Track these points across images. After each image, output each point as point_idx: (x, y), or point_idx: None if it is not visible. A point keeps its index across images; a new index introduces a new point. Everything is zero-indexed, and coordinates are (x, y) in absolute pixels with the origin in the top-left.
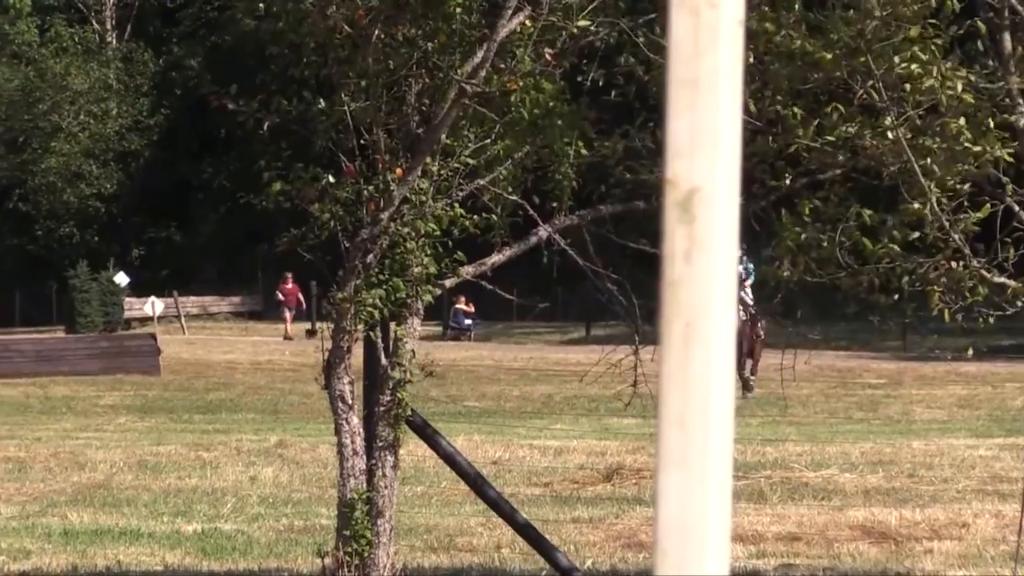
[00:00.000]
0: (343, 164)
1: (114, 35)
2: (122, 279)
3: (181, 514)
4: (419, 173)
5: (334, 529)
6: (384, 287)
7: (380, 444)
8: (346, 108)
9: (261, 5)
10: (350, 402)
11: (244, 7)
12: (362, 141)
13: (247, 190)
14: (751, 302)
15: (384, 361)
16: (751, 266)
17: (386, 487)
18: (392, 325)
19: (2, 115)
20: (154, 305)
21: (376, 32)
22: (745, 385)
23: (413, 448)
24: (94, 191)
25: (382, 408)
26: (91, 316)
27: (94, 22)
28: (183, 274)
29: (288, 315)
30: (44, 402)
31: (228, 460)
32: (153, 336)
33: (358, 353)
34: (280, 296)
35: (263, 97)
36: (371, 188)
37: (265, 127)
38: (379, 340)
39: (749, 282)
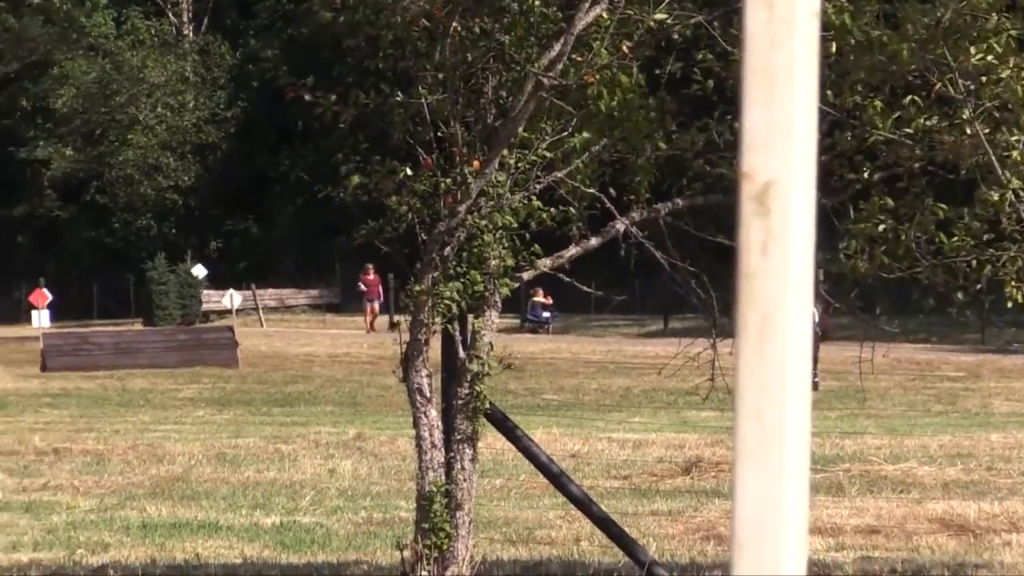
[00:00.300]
0: (421, 157)
1: (191, 28)
2: (200, 272)
3: (260, 507)
4: (496, 166)
5: (413, 522)
6: (462, 280)
7: (458, 437)
8: (423, 101)
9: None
10: (428, 395)
11: (320, 0)
12: (439, 134)
13: (325, 183)
14: None
15: (462, 354)
16: None
17: (465, 480)
18: (470, 318)
19: (79, 108)
20: (232, 298)
21: (453, 25)
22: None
23: (492, 441)
24: (171, 183)
25: (460, 401)
26: (169, 309)
27: (170, 15)
28: (261, 267)
29: (369, 307)
30: (122, 395)
31: (307, 453)
32: (231, 329)
33: (436, 346)
34: (362, 287)
35: (340, 90)
36: (448, 181)
37: (343, 120)
38: (457, 333)
39: None
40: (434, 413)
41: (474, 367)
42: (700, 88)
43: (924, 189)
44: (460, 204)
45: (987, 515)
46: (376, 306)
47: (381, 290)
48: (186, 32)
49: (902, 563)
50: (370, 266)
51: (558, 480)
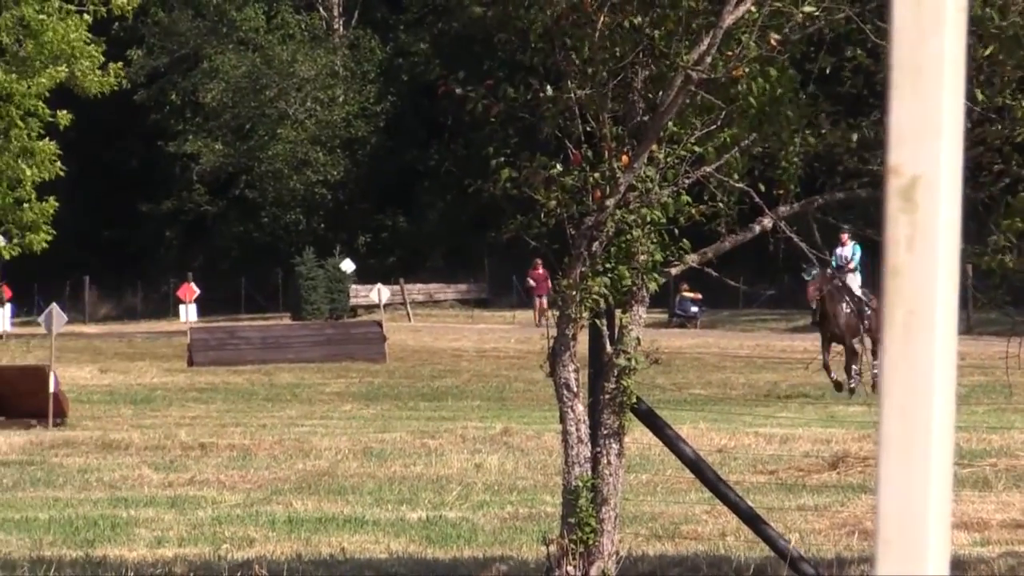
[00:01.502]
0: (570, 151)
1: (341, 22)
2: (348, 266)
3: (406, 502)
4: (645, 160)
5: (559, 517)
6: (610, 275)
7: (605, 432)
8: (573, 95)
9: None
10: (575, 390)
11: None
12: (588, 128)
13: (474, 177)
14: (859, 291)
15: (609, 349)
16: (857, 249)
17: (611, 475)
18: (617, 313)
19: (229, 102)
20: (380, 292)
21: (602, 19)
22: (839, 386)
23: (639, 436)
24: (320, 178)
25: (607, 396)
26: (317, 303)
27: (321, 9)
28: (409, 261)
29: (538, 301)
30: (269, 389)
31: (453, 447)
32: (379, 323)
33: (583, 341)
34: (531, 282)
35: (490, 84)
36: (597, 176)
37: (492, 114)
38: (604, 328)
39: (853, 265)
40: (581, 408)
41: (621, 362)
42: (852, 85)
43: None
44: (609, 199)
45: None
46: (545, 301)
47: (550, 285)
48: (336, 26)
49: None
50: (539, 261)
51: (704, 475)
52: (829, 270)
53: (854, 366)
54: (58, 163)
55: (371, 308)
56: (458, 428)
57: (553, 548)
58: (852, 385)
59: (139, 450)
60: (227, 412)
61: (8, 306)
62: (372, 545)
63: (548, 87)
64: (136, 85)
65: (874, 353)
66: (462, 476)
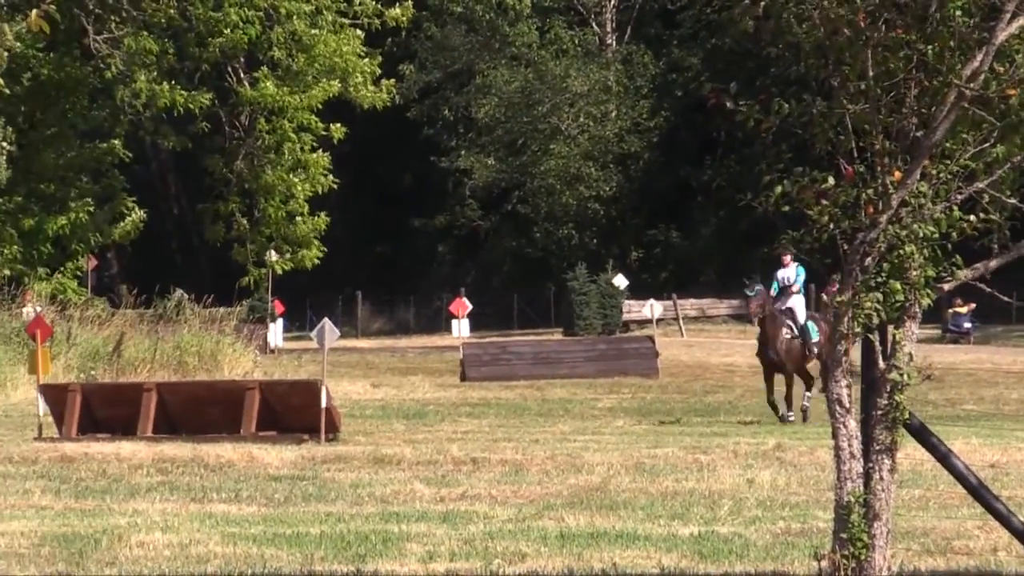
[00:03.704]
0: (843, 167)
1: (614, 37)
2: (621, 281)
3: (678, 517)
4: (917, 176)
5: (831, 532)
6: (882, 290)
7: (877, 447)
8: (845, 110)
9: (761, 6)
10: (847, 405)
11: (744, 9)
12: (860, 144)
13: (746, 192)
14: (803, 315)
15: (882, 364)
16: (801, 271)
17: (883, 490)
18: (890, 328)
19: (502, 117)
20: (653, 308)
21: (875, 34)
22: (777, 409)
23: (911, 451)
24: (593, 193)
25: (879, 412)
26: (589, 318)
27: (594, 24)
28: (682, 276)
29: None
30: (541, 404)
31: (725, 463)
32: (651, 339)
33: (855, 357)
34: (825, 299)
35: (762, 98)
36: (870, 191)
37: (765, 129)
38: (877, 343)
39: (797, 288)
40: (853, 424)
41: (894, 377)
42: None
43: None
44: (881, 214)
45: None
46: None
47: None
48: (609, 41)
49: None
50: (835, 278)
51: (976, 491)
52: (772, 292)
53: (807, 393)
54: (330, 176)
55: (643, 323)
56: (730, 443)
57: (825, 563)
58: (790, 416)
59: (411, 465)
60: (499, 427)
61: (280, 321)
62: (643, 560)
63: (821, 102)
64: (409, 101)
65: (809, 386)
66: (734, 491)
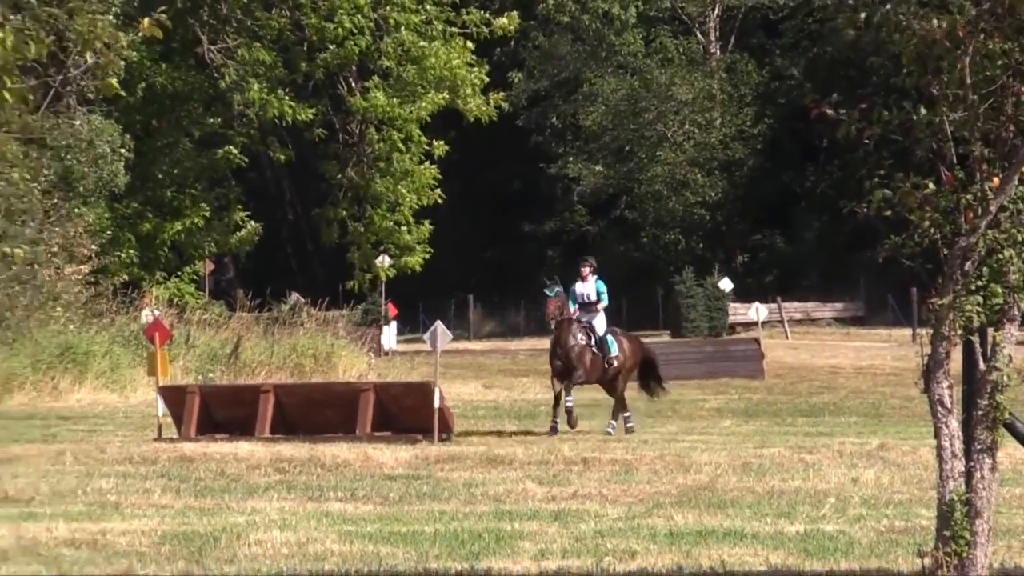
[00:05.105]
0: (943, 173)
1: (717, 46)
2: (727, 285)
3: (784, 515)
4: (1015, 182)
5: (933, 530)
6: (982, 294)
7: (978, 447)
8: (945, 118)
9: (862, 16)
10: (949, 406)
11: (845, 19)
12: (960, 150)
13: (849, 198)
14: (602, 330)
15: (982, 366)
16: (602, 285)
17: (984, 489)
18: (990, 331)
19: (608, 124)
20: (758, 310)
21: (974, 44)
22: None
23: (1011, 451)
24: (699, 199)
25: (980, 412)
26: (696, 321)
27: (698, 34)
28: (786, 280)
29: None
30: (649, 405)
31: (830, 462)
32: (757, 341)
33: (956, 358)
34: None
35: (864, 107)
36: (969, 197)
37: (866, 136)
38: (977, 345)
39: (603, 305)
40: (955, 424)
41: (994, 379)
42: None
43: None
44: (980, 220)
45: None
46: None
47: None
48: (713, 50)
49: None
50: None
51: None
52: (574, 307)
53: (613, 422)
54: (437, 190)
55: (749, 326)
56: (835, 443)
57: (928, 560)
58: (556, 423)
59: (523, 464)
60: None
61: (393, 324)
62: (751, 558)
63: (921, 110)
64: (518, 109)
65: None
66: (839, 490)
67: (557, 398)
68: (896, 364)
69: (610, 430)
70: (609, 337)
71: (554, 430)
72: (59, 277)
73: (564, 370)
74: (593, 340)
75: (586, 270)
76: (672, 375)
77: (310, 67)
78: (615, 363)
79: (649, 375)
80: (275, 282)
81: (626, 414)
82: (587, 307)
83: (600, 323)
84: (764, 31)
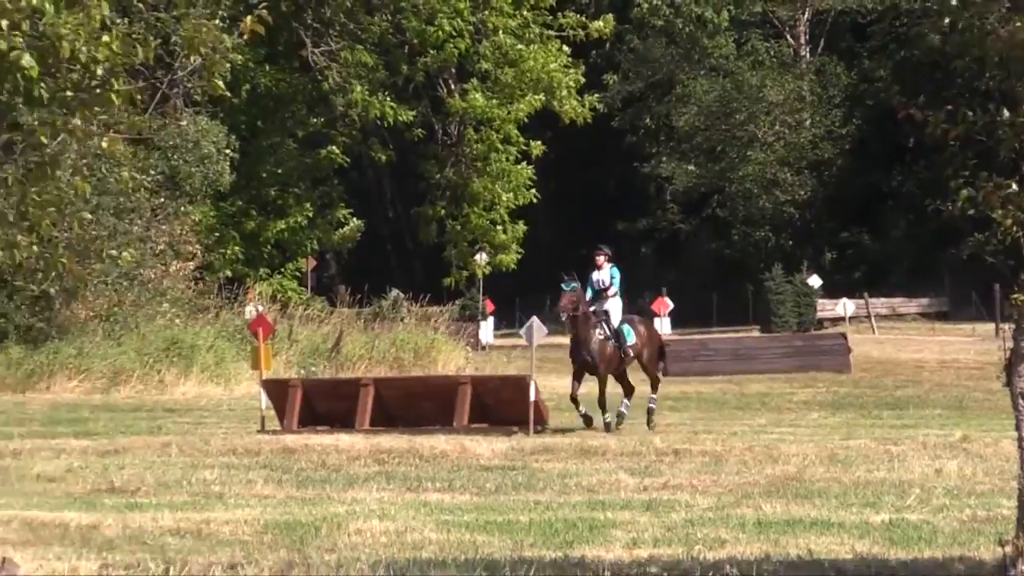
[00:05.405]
0: None
1: (807, 49)
2: (815, 281)
3: (869, 505)
4: None
5: (1014, 519)
6: None
7: None
8: None
9: (947, 21)
10: None
11: (931, 23)
12: None
13: (934, 197)
14: (617, 319)
15: None
16: (616, 272)
17: None
18: None
19: (701, 125)
20: (845, 306)
21: None
22: (588, 421)
23: None
24: (788, 198)
25: None
26: (785, 316)
27: (788, 37)
28: (873, 277)
29: None
30: (739, 398)
31: (914, 454)
32: (844, 335)
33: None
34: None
35: (949, 108)
36: None
37: (951, 137)
38: None
39: (613, 290)
40: None
41: None
42: None
43: None
44: None
45: None
46: None
47: None
48: (803, 53)
49: None
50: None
51: None
52: (588, 295)
53: (626, 400)
54: (533, 190)
55: (836, 321)
56: (919, 435)
57: (1008, 549)
58: (608, 419)
59: (615, 456)
60: (699, 420)
61: (490, 319)
62: (837, 546)
63: (1005, 111)
64: (613, 110)
65: (629, 394)
66: (923, 480)
67: (574, 399)
68: (979, 358)
69: (623, 409)
70: (625, 326)
71: (587, 419)
72: (166, 274)
73: (588, 367)
74: (609, 331)
75: (601, 258)
76: (761, 369)
77: (411, 70)
78: (631, 352)
79: (660, 358)
80: (375, 279)
81: (627, 401)
82: (600, 294)
83: (616, 310)
84: (853, 34)
